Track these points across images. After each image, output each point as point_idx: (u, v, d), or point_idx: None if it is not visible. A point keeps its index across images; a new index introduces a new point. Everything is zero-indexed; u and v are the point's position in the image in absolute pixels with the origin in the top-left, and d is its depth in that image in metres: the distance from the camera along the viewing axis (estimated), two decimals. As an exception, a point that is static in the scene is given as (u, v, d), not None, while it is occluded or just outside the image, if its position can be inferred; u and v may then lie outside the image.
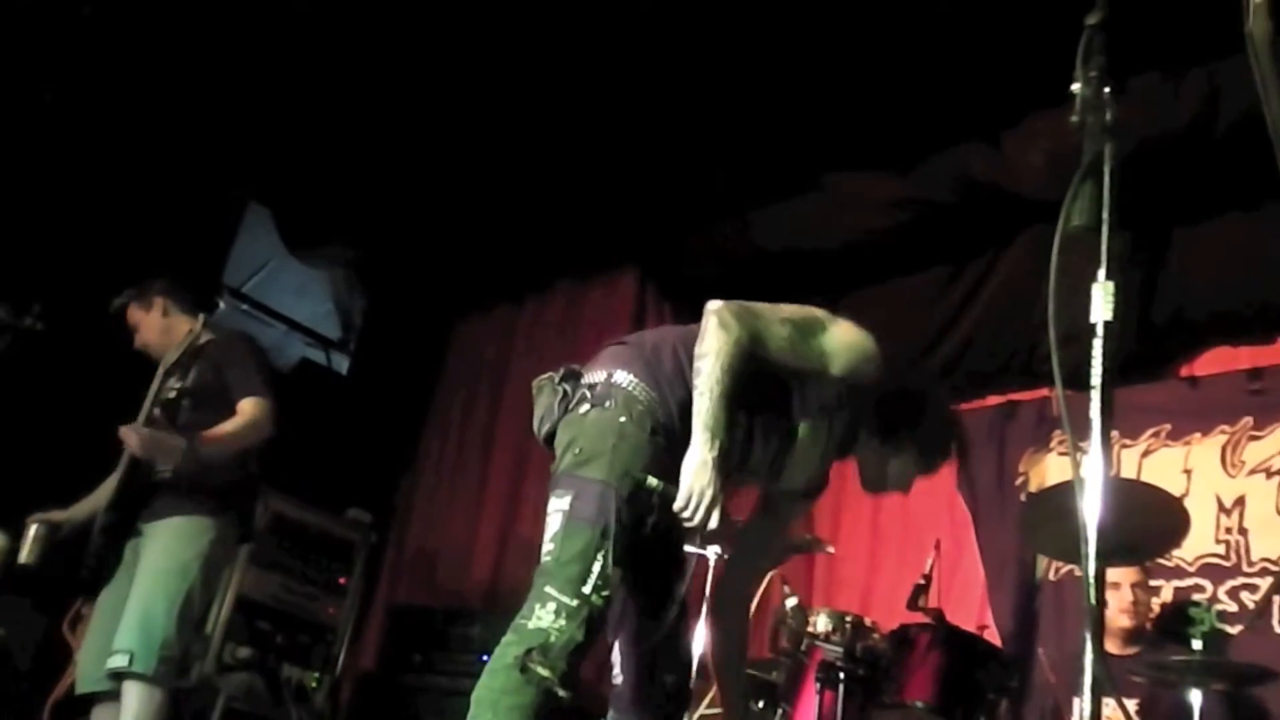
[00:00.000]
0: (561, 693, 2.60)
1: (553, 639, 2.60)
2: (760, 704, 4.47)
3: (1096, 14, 1.80)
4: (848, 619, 4.11)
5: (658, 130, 5.43)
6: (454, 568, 6.75)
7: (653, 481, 2.72)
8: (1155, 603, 4.81)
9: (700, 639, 4.11)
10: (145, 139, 5.84)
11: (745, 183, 5.65)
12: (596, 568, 2.67)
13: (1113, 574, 4.49)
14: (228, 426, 4.13)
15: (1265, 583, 4.48)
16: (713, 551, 4.31)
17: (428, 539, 7.03)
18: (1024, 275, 5.52)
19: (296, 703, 5.28)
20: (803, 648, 4.15)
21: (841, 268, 6.06)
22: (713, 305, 2.90)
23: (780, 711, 4.16)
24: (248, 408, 4.17)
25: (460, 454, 7.22)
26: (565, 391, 2.90)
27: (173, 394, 4.03)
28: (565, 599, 2.64)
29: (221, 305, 6.81)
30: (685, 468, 2.74)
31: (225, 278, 6.99)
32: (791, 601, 4.25)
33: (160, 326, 4.46)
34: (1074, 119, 1.81)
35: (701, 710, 4.13)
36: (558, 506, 2.77)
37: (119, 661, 3.92)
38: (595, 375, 2.90)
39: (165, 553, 4.12)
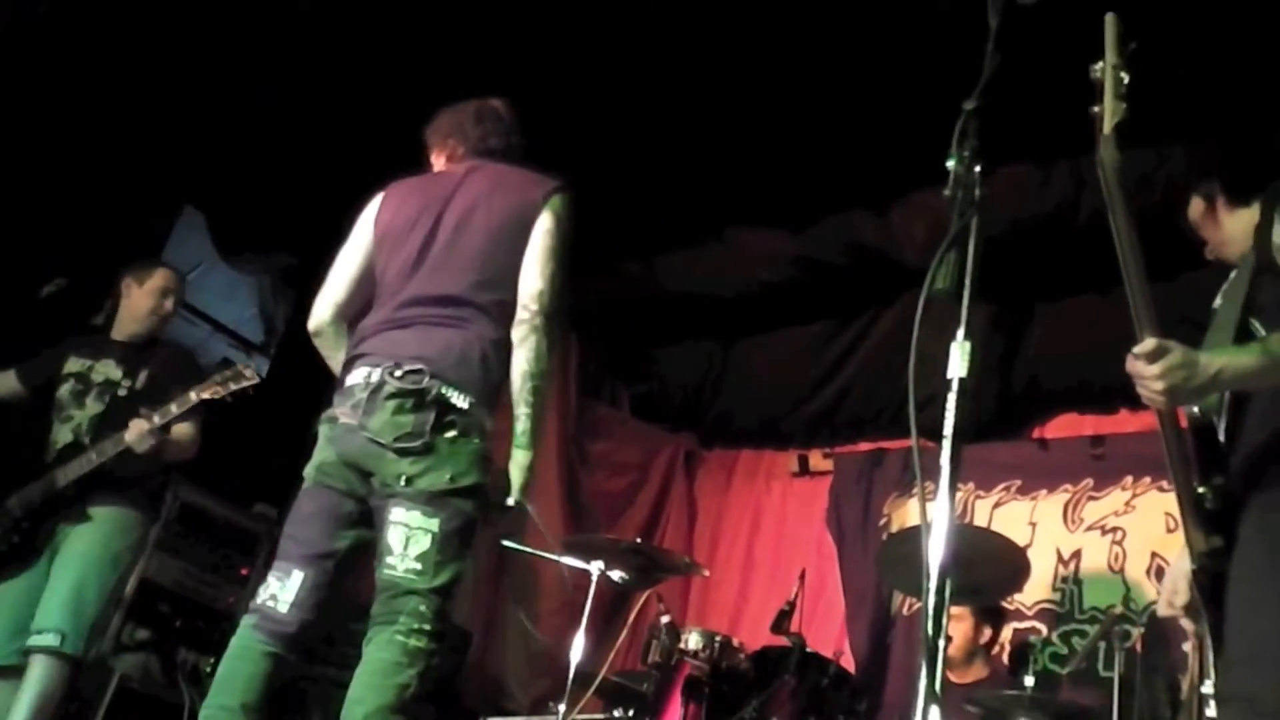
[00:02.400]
0: None
1: (430, 666, 2.64)
2: (630, 713, 4.45)
3: (973, 100, 1.85)
4: (717, 638, 4.10)
5: (578, 179, 5.45)
6: (351, 566, 6.64)
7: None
8: (995, 641, 4.91)
9: (578, 649, 4.09)
10: (87, 138, 5.70)
11: (653, 228, 5.67)
12: (456, 596, 2.74)
13: (959, 611, 4.57)
14: (184, 441, 4.11)
15: (1093, 629, 4.59)
16: (595, 567, 4.29)
17: (329, 538, 6.90)
18: (900, 335, 5.62)
19: (190, 684, 5.13)
20: (672, 662, 4.14)
21: (735, 314, 6.11)
22: (537, 320, 2.89)
23: (646, 721, 4.16)
24: (191, 429, 4.14)
25: (366, 459, 7.12)
26: (436, 415, 2.72)
27: (124, 393, 4.06)
28: (438, 626, 2.67)
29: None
30: (520, 471, 2.78)
31: (156, 276, 6.83)
32: (665, 619, 4.25)
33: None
34: (946, 192, 1.85)
35: (574, 716, 4.08)
36: (425, 525, 2.66)
37: (49, 640, 3.82)
38: (458, 398, 2.76)
39: (101, 541, 4.03)
